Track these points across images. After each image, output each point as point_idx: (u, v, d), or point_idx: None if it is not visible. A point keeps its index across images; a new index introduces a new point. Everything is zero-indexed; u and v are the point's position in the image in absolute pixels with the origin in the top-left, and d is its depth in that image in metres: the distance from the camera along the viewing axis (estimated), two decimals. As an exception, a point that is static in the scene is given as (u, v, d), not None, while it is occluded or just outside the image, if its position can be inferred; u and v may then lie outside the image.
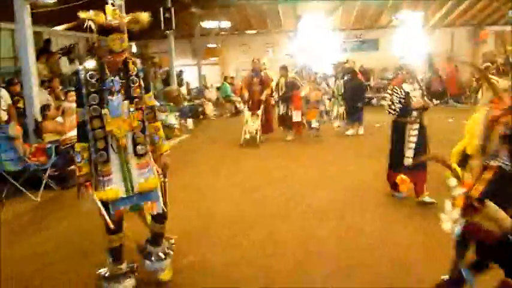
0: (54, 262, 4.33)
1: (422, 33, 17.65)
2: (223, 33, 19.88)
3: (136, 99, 3.31)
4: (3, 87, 8.24)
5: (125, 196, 3.33)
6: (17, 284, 3.93)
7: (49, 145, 7.07)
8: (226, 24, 18.60)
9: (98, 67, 3.25)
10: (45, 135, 7.46)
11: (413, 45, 17.54)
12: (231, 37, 20.69)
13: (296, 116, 10.36)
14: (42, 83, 9.33)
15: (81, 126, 3.30)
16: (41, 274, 4.08)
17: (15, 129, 6.74)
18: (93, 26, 3.13)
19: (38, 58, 9.06)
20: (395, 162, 5.68)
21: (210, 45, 20.28)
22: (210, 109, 16.36)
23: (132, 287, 3.55)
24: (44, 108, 8.02)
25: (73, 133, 7.39)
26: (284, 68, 10.71)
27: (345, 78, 11.06)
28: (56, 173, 7.04)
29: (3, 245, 4.80)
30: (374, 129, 11.32)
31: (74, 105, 8.24)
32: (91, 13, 3.13)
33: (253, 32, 20.52)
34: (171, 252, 3.81)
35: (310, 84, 10.68)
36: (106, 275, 3.51)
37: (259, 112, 10.07)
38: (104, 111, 3.19)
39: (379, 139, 9.95)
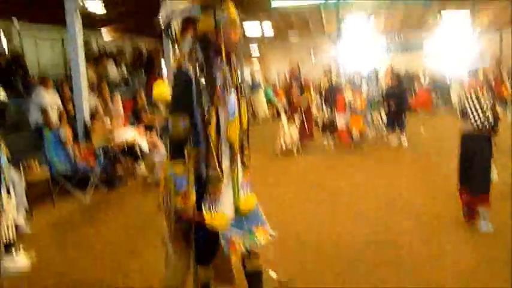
0: (103, 258, 4.49)
1: (469, 36, 17.14)
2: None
3: (243, 96, 2.58)
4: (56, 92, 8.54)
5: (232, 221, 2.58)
6: (67, 280, 4.05)
7: (98, 149, 7.35)
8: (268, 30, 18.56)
9: (206, 58, 2.45)
10: (94, 138, 7.70)
11: (460, 48, 17.11)
12: (274, 41, 20.72)
13: (340, 121, 9.77)
14: (90, 87, 9.61)
15: (181, 139, 2.44)
16: (91, 270, 4.22)
17: (66, 133, 7.03)
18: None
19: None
20: (484, 183, 4.63)
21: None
22: (262, 110, 16.35)
23: None
24: (93, 111, 8.30)
25: (121, 137, 7.65)
26: (328, 71, 10.41)
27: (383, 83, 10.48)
28: (103, 175, 7.27)
29: (53, 244, 5.01)
30: (419, 135, 10.72)
31: (121, 108, 8.53)
32: None
33: (296, 36, 20.48)
34: None
35: (355, 90, 10.09)
36: None
37: (296, 117, 9.46)
38: (221, 113, 2.47)
39: (425, 147, 9.46)
